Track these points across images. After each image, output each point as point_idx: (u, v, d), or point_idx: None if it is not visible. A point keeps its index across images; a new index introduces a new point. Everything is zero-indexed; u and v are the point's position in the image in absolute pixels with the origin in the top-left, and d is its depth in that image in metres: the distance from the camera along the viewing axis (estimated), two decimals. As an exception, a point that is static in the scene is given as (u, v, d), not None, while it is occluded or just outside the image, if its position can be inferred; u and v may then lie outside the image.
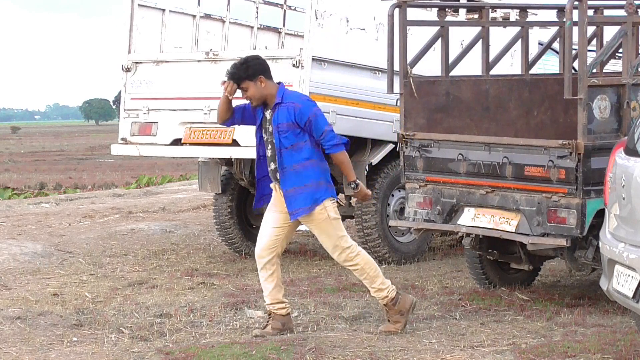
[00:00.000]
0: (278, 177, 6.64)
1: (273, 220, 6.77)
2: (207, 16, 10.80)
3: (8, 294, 8.30)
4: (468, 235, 7.69)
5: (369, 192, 6.86)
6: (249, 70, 6.64)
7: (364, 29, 9.28)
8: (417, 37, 8.52)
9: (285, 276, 9.01)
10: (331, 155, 6.63)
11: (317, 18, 8.82)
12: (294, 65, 8.77)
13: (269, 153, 6.68)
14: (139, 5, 9.98)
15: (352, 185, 6.72)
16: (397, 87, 8.03)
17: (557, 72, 9.58)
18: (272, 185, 6.78)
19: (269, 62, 8.99)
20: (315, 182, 6.61)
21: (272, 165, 6.67)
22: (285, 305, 6.80)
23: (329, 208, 6.64)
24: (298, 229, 11.63)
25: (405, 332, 6.76)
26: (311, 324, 7.05)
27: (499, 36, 9.41)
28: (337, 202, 6.81)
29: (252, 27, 11.39)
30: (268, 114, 6.65)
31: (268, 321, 6.80)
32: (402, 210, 9.21)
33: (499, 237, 7.45)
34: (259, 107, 6.69)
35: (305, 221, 6.71)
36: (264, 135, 6.71)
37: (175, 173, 28.96)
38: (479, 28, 8.74)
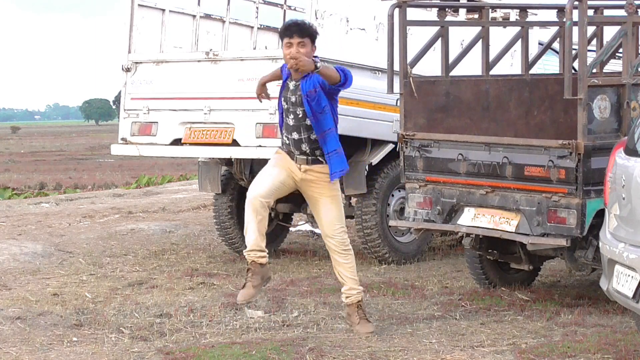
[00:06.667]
0: (304, 149, 6.60)
1: (277, 174, 6.63)
2: (207, 16, 10.80)
3: (8, 294, 8.30)
4: (468, 235, 7.69)
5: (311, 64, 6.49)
6: (316, 31, 6.57)
7: (364, 29, 9.28)
8: (417, 37, 8.52)
9: (285, 276, 9.02)
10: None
11: (317, 18, 8.82)
12: (294, 65, 8.76)
13: (290, 122, 6.61)
14: (139, 5, 9.98)
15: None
16: (397, 87, 8.03)
17: (557, 72, 9.58)
18: (280, 150, 6.69)
19: (268, 62, 9.11)
20: (340, 149, 6.66)
21: (296, 136, 6.60)
22: (265, 254, 6.59)
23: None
24: (297, 229, 11.76)
25: (405, 332, 6.77)
26: (311, 324, 7.05)
27: (499, 36, 9.42)
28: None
29: (252, 27, 11.39)
30: (292, 84, 6.59)
31: (246, 280, 6.57)
32: (402, 210, 9.20)
33: (499, 237, 7.45)
34: (287, 74, 6.61)
35: (328, 188, 6.66)
36: (284, 104, 6.63)
37: (175, 173, 28.94)
38: (479, 28, 8.74)
